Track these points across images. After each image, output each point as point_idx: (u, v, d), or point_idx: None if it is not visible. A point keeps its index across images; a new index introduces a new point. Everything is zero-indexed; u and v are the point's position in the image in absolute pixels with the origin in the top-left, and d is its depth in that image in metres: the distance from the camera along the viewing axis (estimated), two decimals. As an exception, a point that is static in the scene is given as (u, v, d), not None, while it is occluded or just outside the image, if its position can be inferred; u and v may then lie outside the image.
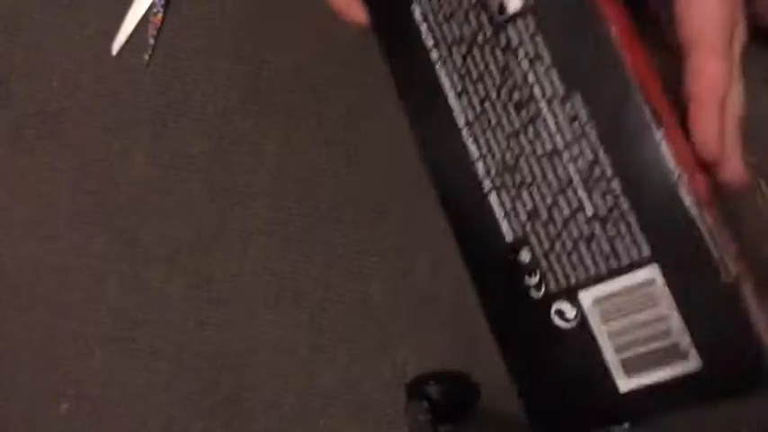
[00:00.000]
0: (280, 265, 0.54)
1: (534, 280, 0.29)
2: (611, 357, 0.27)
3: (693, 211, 0.26)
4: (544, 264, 0.29)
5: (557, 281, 0.28)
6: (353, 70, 0.53)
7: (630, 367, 0.27)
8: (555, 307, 0.28)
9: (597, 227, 0.27)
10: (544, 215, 0.28)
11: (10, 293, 0.56)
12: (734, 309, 0.25)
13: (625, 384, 0.27)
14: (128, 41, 0.56)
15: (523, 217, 0.29)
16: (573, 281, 0.28)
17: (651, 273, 0.26)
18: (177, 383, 0.54)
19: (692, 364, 0.26)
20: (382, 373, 0.52)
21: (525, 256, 0.29)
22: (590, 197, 0.27)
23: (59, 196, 0.56)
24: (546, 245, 0.29)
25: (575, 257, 0.28)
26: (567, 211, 0.28)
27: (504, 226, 0.29)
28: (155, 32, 0.55)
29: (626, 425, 0.28)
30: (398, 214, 0.52)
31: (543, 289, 0.29)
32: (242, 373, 0.54)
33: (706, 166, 0.29)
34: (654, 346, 0.26)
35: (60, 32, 0.56)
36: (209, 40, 0.55)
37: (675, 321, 0.26)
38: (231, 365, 0.54)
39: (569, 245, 0.28)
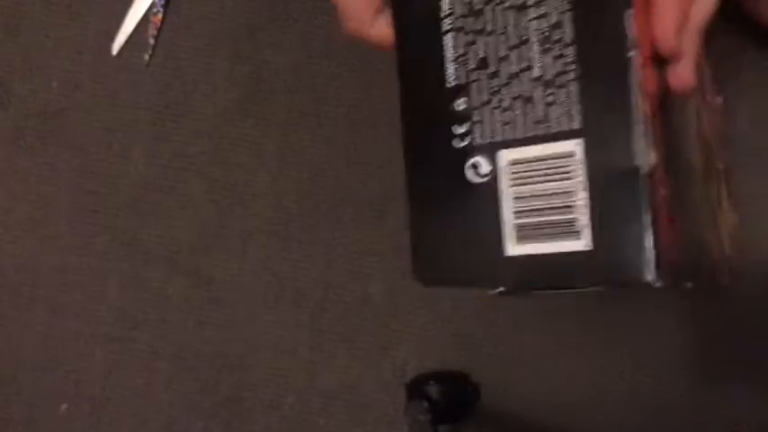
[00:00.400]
0: (280, 265, 0.54)
1: (461, 130, 0.29)
2: (507, 220, 0.27)
3: (635, 93, 0.26)
4: (476, 116, 0.29)
5: (482, 135, 0.28)
6: (353, 70, 0.53)
7: (523, 234, 0.27)
8: (472, 160, 0.28)
9: (539, 90, 0.28)
10: (492, 67, 0.28)
11: (10, 293, 0.56)
12: (638, 201, 0.25)
13: (512, 249, 0.27)
14: (128, 41, 0.56)
15: (472, 65, 0.29)
16: (498, 138, 0.28)
17: (574, 146, 0.26)
18: (177, 383, 0.54)
19: (582, 243, 0.26)
20: (382, 373, 0.52)
21: (460, 104, 0.29)
22: (542, 58, 0.28)
23: (59, 196, 0.56)
24: (484, 97, 0.29)
25: (507, 115, 0.28)
26: (515, 68, 0.28)
27: (450, 69, 0.29)
28: (155, 32, 0.55)
29: (501, 288, 0.28)
30: (398, 214, 0.52)
31: (467, 140, 0.29)
32: (242, 373, 0.54)
33: (659, 67, 0.29)
34: (552, 218, 0.27)
35: (60, 32, 0.56)
36: (209, 40, 0.55)
37: (581, 198, 0.26)
38: (231, 365, 0.54)
39: (507, 102, 0.28)
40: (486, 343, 0.51)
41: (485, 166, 0.28)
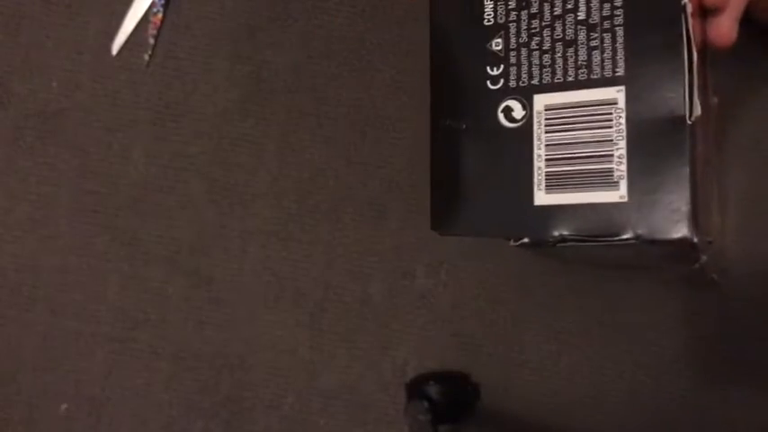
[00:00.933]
0: (280, 265, 0.54)
1: (496, 71, 0.28)
2: (539, 167, 0.26)
3: (685, 40, 0.25)
4: (513, 57, 0.28)
5: (518, 78, 0.27)
6: (353, 70, 0.53)
7: (554, 182, 0.26)
8: (506, 103, 0.27)
9: (583, 33, 0.27)
10: (534, 7, 0.27)
11: (10, 293, 0.56)
12: (681, 153, 0.25)
13: (542, 198, 0.26)
14: (128, 41, 0.56)
15: (513, 3, 0.28)
16: (535, 81, 0.27)
17: (615, 93, 0.25)
18: (177, 383, 0.54)
19: (617, 194, 0.25)
20: (382, 373, 0.52)
21: (497, 44, 0.28)
22: (588, 1, 0.27)
23: (59, 196, 0.56)
24: (523, 37, 0.28)
25: (546, 58, 0.27)
26: (559, 9, 0.27)
27: (489, 7, 0.28)
28: (155, 32, 0.55)
29: (525, 240, 0.27)
30: (399, 214, 0.52)
31: (501, 82, 0.27)
32: (242, 373, 0.54)
33: (700, 23, 0.28)
34: (587, 167, 0.26)
35: (60, 32, 0.56)
36: (209, 40, 0.55)
37: (619, 147, 0.25)
38: (231, 365, 0.54)
39: (547, 44, 0.27)
40: (486, 343, 0.51)
41: (519, 111, 0.27)
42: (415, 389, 0.51)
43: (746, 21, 0.46)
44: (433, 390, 0.50)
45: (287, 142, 0.54)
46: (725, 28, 0.29)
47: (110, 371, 0.55)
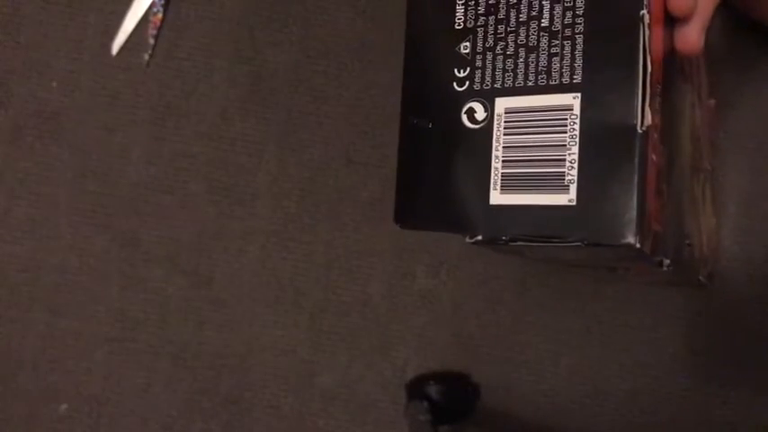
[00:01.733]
0: (280, 265, 0.54)
1: (463, 74, 0.29)
2: (496, 168, 0.28)
3: (641, 51, 0.26)
4: (479, 61, 0.29)
5: (483, 80, 0.29)
6: (353, 70, 0.53)
7: (509, 183, 0.27)
8: (469, 105, 0.28)
9: (545, 40, 0.28)
10: (502, 12, 0.29)
11: (10, 293, 0.56)
12: (629, 160, 0.26)
13: (497, 198, 0.27)
14: (128, 41, 0.56)
15: (482, 8, 0.29)
16: (498, 85, 0.28)
17: (572, 100, 0.26)
18: (177, 383, 0.54)
19: (567, 197, 0.26)
20: (382, 373, 0.52)
21: (465, 48, 0.29)
22: (552, 8, 0.28)
23: (59, 196, 0.56)
24: (490, 42, 0.29)
25: (510, 63, 0.28)
26: (524, 16, 0.28)
27: (460, 11, 0.29)
28: (155, 32, 0.55)
29: (478, 237, 0.28)
30: (398, 214, 0.52)
31: (467, 85, 0.29)
32: (242, 373, 0.54)
33: (667, 31, 0.29)
34: (541, 170, 0.27)
35: (60, 32, 0.56)
36: (210, 40, 0.55)
37: (572, 152, 0.26)
38: (231, 365, 0.54)
39: (511, 49, 0.28)
40: (486, 343, 0.51)
41: (481, 113, 0.28)
42: (415, 389, 0.51)
43: (746, 21, 0.47)
44: (433, 390, 0.50)
45: (287, 142, 0.54)
46: (691, 36, 0.29)
47: (110, 371, 0.55)
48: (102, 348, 0.55)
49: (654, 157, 0.27)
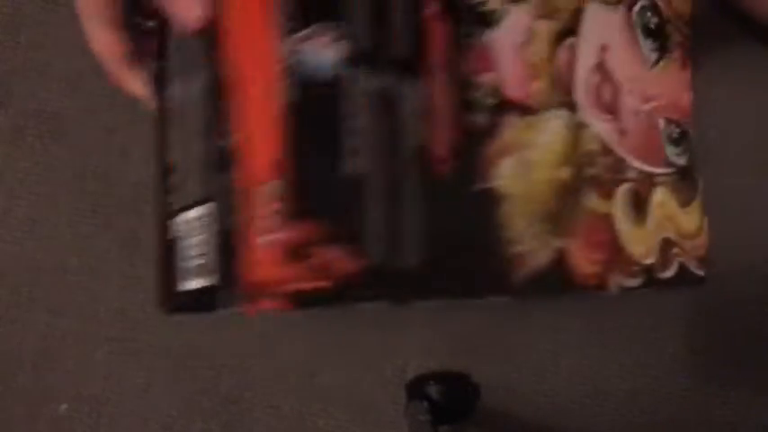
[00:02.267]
0: (280, 265, 0.53)
1: (171, 198, 0.36)
2: (181, 262, 0.34)
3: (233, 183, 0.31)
4: (179, 186, 0.35)
5: (179, 200, 0.35)
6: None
7: (186, 273, 0.34)
8: (181, 217, 0.35)
9: (200, 170, 0.33)
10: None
11: (10, 293, 0.56)
12: (232, 252, 0.31)
13: (182, 285, 0.34)
14: (128, 41, 0.56)
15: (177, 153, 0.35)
16: (184, 203, 0.34)
17: (209, 209, 0.32)
18: (177, 383, 0.54)
19: (214, 278, 0.32)
20: (382, 373, 0.52)
21: (174, 177, 0.36)
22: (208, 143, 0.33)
23: (59, 196, 0.56)
24: (181, 173, 0.35)
25: (189, 185, 0.34)
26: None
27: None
28: (155, 32, 0.55)
29: (174, 314, 0.35)
30: (398, 214, 0.52)
31: (174, 205, 0.35)
32: (242, 373, 0.54)
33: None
34: (200, 261, 0.33)
35: (60, 32, 0.56)
36: (209, 40, 0.55)
37: (212, 247, 0.32)
38: (231, 365, 0.54)
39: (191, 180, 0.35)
40: (486, 343, 0.51)
41: (180, 226, 0.35)
42: (415, 389, 0.51)
43: (746, 21, 0.46)
44: (433, 390, 0.50)
45: (287, 142, 0.54)
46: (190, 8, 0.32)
47: (110, 371, 0.55)
48: (102, 348, 0.55)
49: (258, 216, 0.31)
